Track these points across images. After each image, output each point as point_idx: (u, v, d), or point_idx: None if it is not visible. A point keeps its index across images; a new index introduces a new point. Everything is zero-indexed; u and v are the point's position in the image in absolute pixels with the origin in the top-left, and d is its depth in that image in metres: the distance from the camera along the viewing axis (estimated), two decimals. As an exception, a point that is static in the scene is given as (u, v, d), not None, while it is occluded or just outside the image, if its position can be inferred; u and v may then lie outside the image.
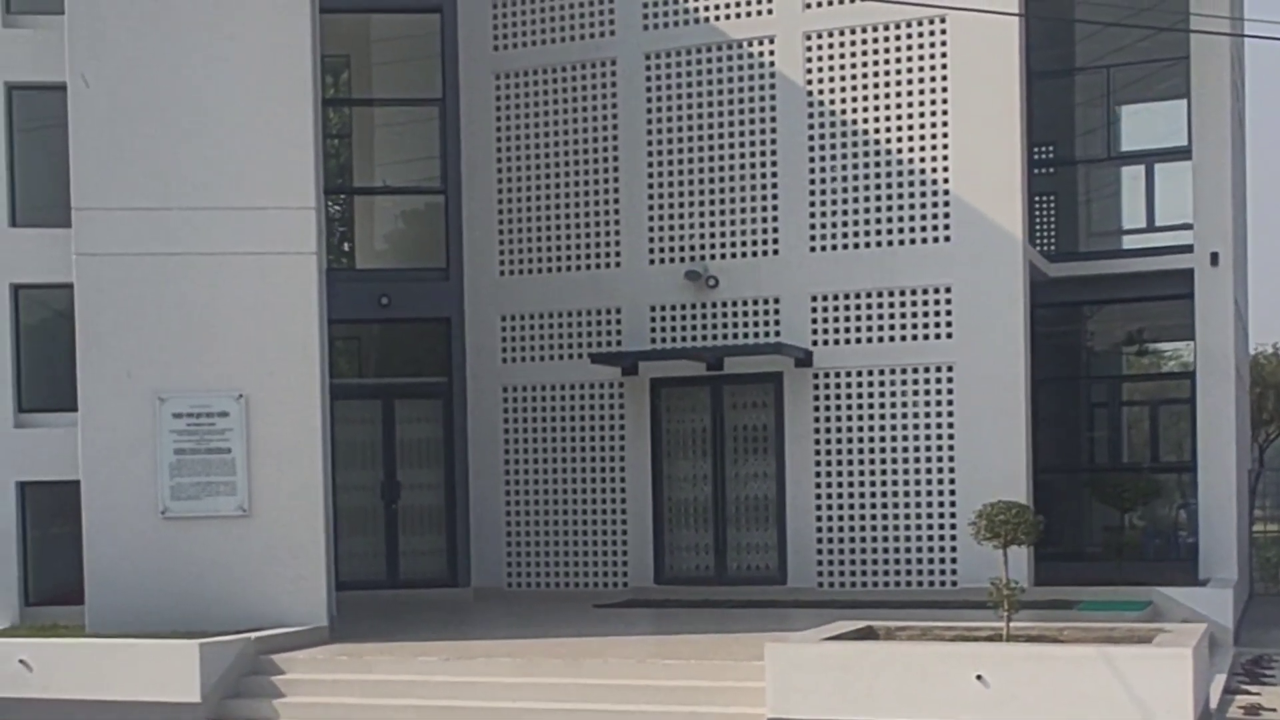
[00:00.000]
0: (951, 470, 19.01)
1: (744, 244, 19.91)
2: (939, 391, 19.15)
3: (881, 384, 19.39)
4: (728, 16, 19.93)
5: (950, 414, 19.07)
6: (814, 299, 19.63)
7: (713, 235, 20.04)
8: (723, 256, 19.99)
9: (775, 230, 19.78)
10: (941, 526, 19.02)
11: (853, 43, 19.48)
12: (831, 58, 19.55)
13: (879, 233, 19.39)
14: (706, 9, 20.02)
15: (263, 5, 15.83)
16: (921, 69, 19.19)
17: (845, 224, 19.52)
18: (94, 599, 15.60)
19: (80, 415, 15.66)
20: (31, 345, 17.49)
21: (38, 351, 17.41)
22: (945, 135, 19.12)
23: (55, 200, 16.37)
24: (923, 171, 19.19)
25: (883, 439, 19.35)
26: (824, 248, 19.59)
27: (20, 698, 14.63)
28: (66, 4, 15.70)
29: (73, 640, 14.94)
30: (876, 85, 19.39)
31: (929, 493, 19.11)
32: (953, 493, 18.96)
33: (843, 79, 19.51)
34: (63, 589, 17.06)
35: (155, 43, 15.69)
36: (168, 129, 15.70)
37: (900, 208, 19.29)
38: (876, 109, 19.39)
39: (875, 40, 19.37)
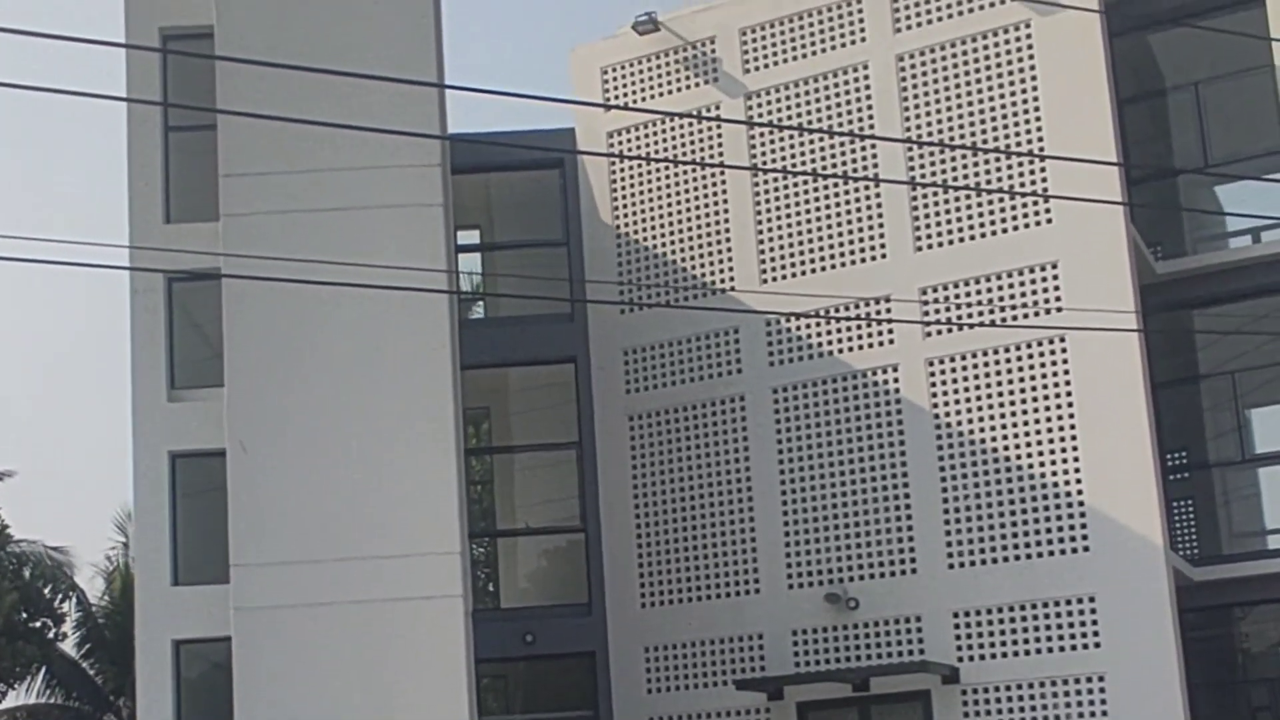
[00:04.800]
0: (1110, 783, 18.59)
1: (881, 564, 20.10)
2: (1091, 702, 18.88)
3: (1032, 697, 19.18)
4: (850, 349, 20.58)
5: (1105, 724, 18.75)
6: (956, 615, 19.65)
7: (850, 557, 20.26)
8: (861, 578, 20.15)
9: (912, 549, 19.96)
10: (1103, 843, 18.49)
11: (975, 365, 19.94)
12: (955, 380, 20.01)
13: (1016, 546, 19.48)
14: (829, 344, 20.69)
15: (406, 365, 16.88)
16: (1046, 386, 19.54)
17: (981, 539, 19.65)
18: None
19: (238, 765, 16.12)
20: (191, 698, 18.08)
21: (197, 704, 17.98)
22: (1075, 448, 19.32)
23: (214, 558, 17.22)
24: (1055, 484, 19.37)
25: (1037, 754, 19.04)
26: (962, 564, 19.70)
27: None
28: (226, 378, 16.89)
29: None
30: (1002, 404, 19.76)
31: (1088, 809, 18.65)
32: (1112, 807, 18.49)
33: (968, 399, 19.93)
34: None
35: (307, 407, 16.76)
36: (319, 486, 16.59)
37: (1036, 520, 19.41)
38: (1004, 426, 19.71)
39: (998, 362, 19.81)
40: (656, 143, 22.04)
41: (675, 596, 21.16)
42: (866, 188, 20.58)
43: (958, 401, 19.98)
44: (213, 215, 17.56)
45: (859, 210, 20.71)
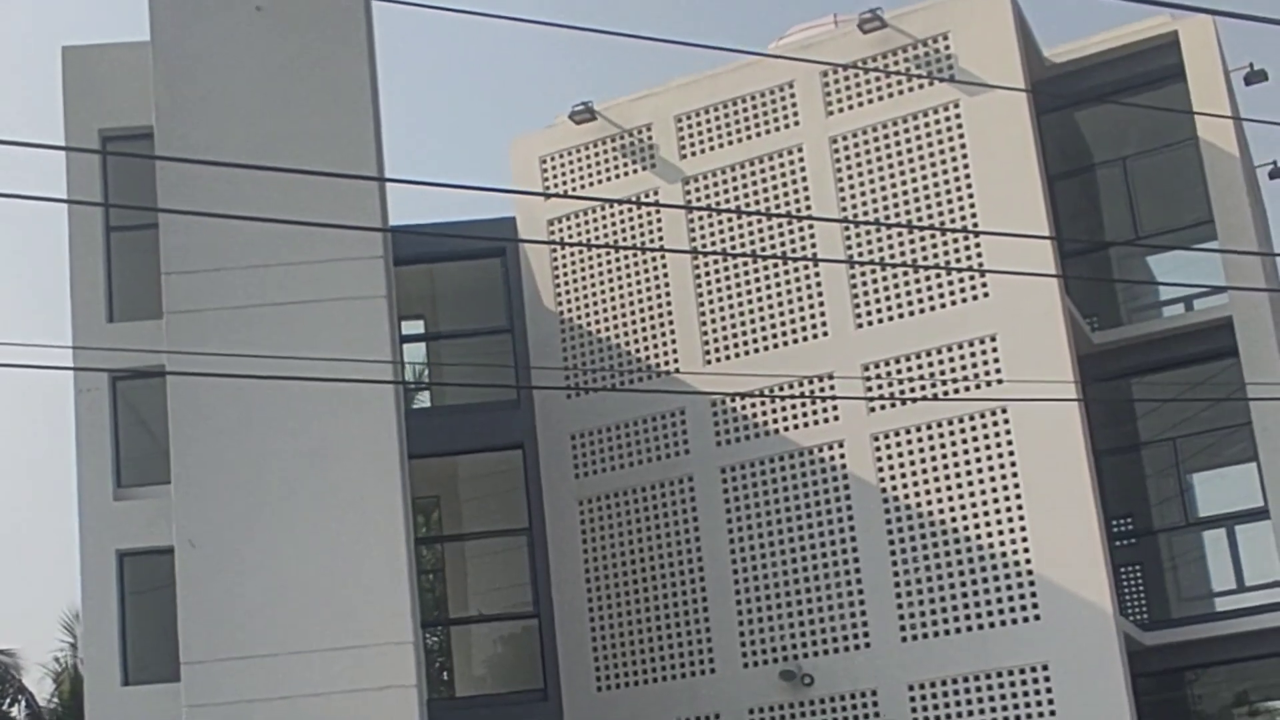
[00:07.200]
0: None
1: (835, 639, 20.18)
2: (1049, 771, 18.98)
3: (990, 767, 19.27)
4: (796, 427, 20.78)
5: (1061, 792, 18.83)
6: (911, 687, 19.74)
7: (803, 633, 20.34)
8: (815, 654, 20.23)
9: (865, 623, 20.06)
10: None
11: (919, 439, 20.17)
12: (900, 454, 20.22)
13: (967, 617, 19.62)
14: (775, 422, 20.89)
15: (353, 457, 16.91)
16: (990, 457, 19.78)
17: (933, 611, 19.79)
18: None
19: None
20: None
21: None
22: (1022, 517, 19.54)
23: (164, 657, 17.13)
24: (1004, 554, 19.55)
25: (995, 826, 19.08)
26: (915, 636, 19.81)
27: None
28: (173, 475, 16.89)
29: None
30: (947, 476, 19.98)
31: None
32: None
33: (913, 473, 20.14)
34: None
35: (255, 501, 16.75)
36: (269, 580, 16.56)
37: (986, 591, 19.57)
38: (950, 498, 19.92)
39: (941, 435, 20.06)
40: (597, 229, 22.30)
41: (631, 679, 21.15)
42: (806, 267, 20.88)
43: (904, 475, 20.17)
44: (156, 313, 17.61)
45: (799, 289, 20.98)
